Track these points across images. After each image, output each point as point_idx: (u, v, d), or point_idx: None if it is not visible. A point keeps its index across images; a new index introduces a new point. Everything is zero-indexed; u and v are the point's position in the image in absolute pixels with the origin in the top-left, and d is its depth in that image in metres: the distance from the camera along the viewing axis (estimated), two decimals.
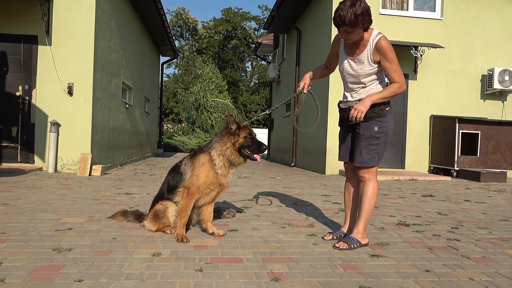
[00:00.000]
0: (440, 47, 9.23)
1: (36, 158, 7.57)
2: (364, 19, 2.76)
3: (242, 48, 45.17)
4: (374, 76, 2.99)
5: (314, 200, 5.27)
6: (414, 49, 9.19)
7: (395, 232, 3.54)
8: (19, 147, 7.56)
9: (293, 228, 3.59)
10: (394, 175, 8.41)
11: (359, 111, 2.88)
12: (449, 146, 9.10)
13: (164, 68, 17.59)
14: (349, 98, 3.10)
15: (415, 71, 9.63)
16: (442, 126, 9.39)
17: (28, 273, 2.24)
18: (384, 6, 9.57)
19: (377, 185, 3.05)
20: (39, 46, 7.47)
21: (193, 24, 46.02)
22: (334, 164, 9.18)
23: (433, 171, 9.70)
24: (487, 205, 5.23)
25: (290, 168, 11.44)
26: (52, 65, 7.44)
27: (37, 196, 4.80)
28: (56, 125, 7.35)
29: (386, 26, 9.28)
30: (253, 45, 35.86)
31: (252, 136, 3.12)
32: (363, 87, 3.03)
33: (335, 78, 8.29)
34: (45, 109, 7.50)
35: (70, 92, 7.47)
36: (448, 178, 8.58)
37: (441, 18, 9.71)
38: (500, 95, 9.97)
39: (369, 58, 2.92)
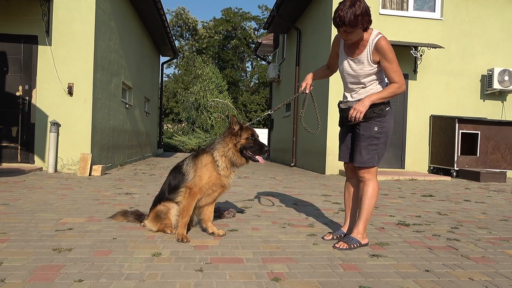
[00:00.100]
0: (440, 47, 9.24)
1: (36, 158, 7.57)
2: (363, 19, 2.76)
3: (242, 48, 45.16)
4: (374, 76, 3.00)
5: (314, 200, 5.27)
6: (414, 49, 9.19)
7: (395, 232, 3.55)
8: (19, 147, 7.56)
9: (293, 228, 3.59)
10: (394, 175, 8.41)
11: (358, 111, 2.89)
12: (449, 146, 9.10)
13: (164, 68, 17.62)
14: (349, 98, 3.10)
15: (415, 71, 9.64)
16: (442, 126, 9.39)
17: (28, 273, 2.24)
18: (384, 6, 9.57)
19: (377, 185, 3.06)
20: (39, 46, 7.47)
21: (193, 24, 46.02)
22: (334, 164, 9.18)
23: (433, 171, 9.71)
24: (486, 205, 5.24)
25: (290, 168, 11.44)
26: (52, 65, 7.45)
27: (37, 196, 4.81)
28: (56, 125, 7.35)
29: (386, 26, 9.28)
30: (253, 45, 35.87)
31: (254, 137, 3.12)
32: (363, 87, 3.03)
33: (335, 78, 8.28)
34: (45, 109, 7.50)
35: (70, 92, 7.47)
36: (448, 178, 8.58)
37: (441, 18, 9.71)
38: (500, 95, 9.97)
39: (369, 58, 2.93)
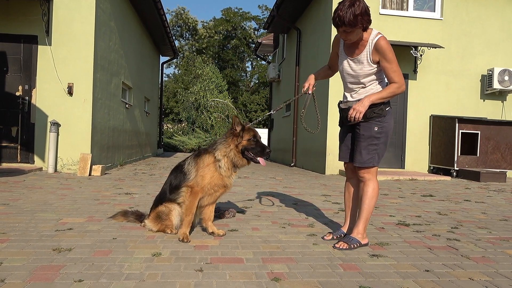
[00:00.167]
0: (440, 47, 9.24)
1: (36, 158, 7.57)
2: (363, 19, 2.76)
3: (242, 48, 45.16)
4: (374, 76, 3.00)
5: (314, 200, 5.27)
6: (414, 49, 9.19)
7: (395, 232, 3.55)
8: (19, 147, 7.56)
9: (293, 228, 3.59)
10: (394, 175, 8.41)
11: (358, 111, 2.89)
12: (449, 146, 9.10)
13: (164, 68, 17.61)
14: (349, 98, 3.10)
15: (415, 71, 9.64)
16: (442, 126, 9.39)
17: (28, 273, 2.24)
18: (384, 6, 9.57)
19: (377, 185, 3.06)
20: (39, 46, 7.47)
21: (193, 24, 46.02)
22: (334, 164, 9.18)
23: (433, 171, 9.71)
24: (486, 205, 5.24)
25: (290, 168, 11.44)
26: (52, 65, 7.44)
27: (37, 196, 4.80)
28: (56, 125, 7.35)
29: (386, 26, 9.28)
30: (253, 45, 35.86)
31: (256, 138, 3.11)
32: (362, 87, 3.03)
33: (335, 78, 8.27)
34: (45, 109, 7.50)
35: (70, 92, 7.47)
36: (448, 178, 8.58)
37: (441, 18, 9.71)
38: (500, 95, 9.97)
39: (369, 58, 2.93)
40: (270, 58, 19.16)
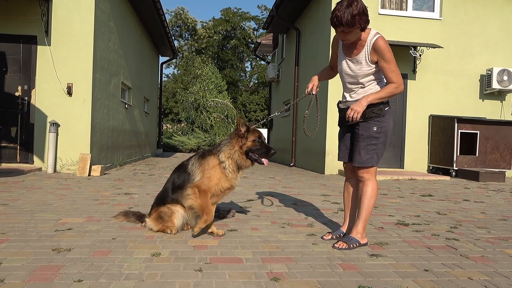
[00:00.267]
0: (439, 47, 9.25)
1: (35, 159, 7.57)
2: (361, 19, 2.76)
3: (242, 48, 45.17)
4: (372, 77, 3.00)
5: (313, 200, 5.27)
6: (413, 49, 9.20)
7: (394, 231, 3.55)
8: (18, 147, 7.56)
9: (293, 228, 3.59)
10: (393, 175, 8.42)
11: (355, 111, 2.90)
12: (448, 146, 9.11)
13: (163, 68, 17.60)
14: (348, 98, 3.11)
15: (414, 71, 9.64)
16: (441, 126, 9.40)
17: (27, 274, 2.24)
18: (383, 6, 9.58)
19: (376, 185, 3.06)
20: (38, 46, 7.47)
21: (192, 24, 46.00)
22: (333, 164, 9.18)
23: (432, 170, 9.72)
24: (486, 205, 5.24)
25: (290, 168, 11.44)
26: (51, 65, 7.44)
27: (37, 196, 4.80)
28: (55, 125, 7.35)
29: (385, 26, 9.29)
30: (253, 45, 35.84)
31: (261, 140, 3.13)
32: (361, 88, 3.03)
33: (334, 78, 8.30)
34: (44, 109, 7.50)
35: (69, 92, 7.47)
36: (447, 178, 8.59)
37: (440, 18, 9.72)
38: (499, 95, 9.98)
39: (367, 58, 2.93)
40: (270, 58, 19.17)
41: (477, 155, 9.09)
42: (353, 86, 3.07)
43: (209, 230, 3.23)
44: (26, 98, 7.52)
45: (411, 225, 3.82)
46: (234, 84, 43.14)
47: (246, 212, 4.25)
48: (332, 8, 2.85)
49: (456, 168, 8.99)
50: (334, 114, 8.64)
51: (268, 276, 2.33)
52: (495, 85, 9.48)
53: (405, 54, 9.31)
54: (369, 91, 3.01)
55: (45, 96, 7.48)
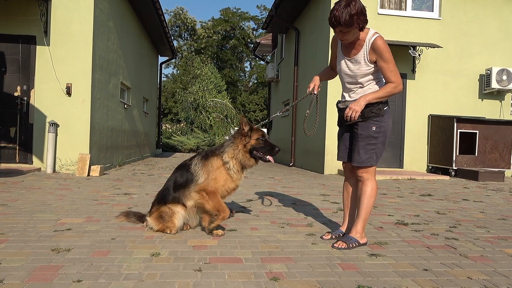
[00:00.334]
0: (438, 46, 9.25)
1: (34, 159, 7.56)
2: (359, 18, 2.76)
3: (241, 48, 45.15)
4: (371, 76, 3.00)
5: (312, 199, 5.27)
6: (412, 48, 9.20)
7: (394, 231, 3.55)
8: (17, 147, 7.55)
9: (292, 227, 3.59)
10: (393, 175, 8.42)
11: (354, 111, 2.90)
12: (447, 146, 9.12)
13: (162, 68, 17.58)
14: (347, 98, 3.11)
15: (413, 71, 9.65)
16: (440, 126, 9.41)
17: (26, 274, 2.24)
18: (382, 6, 9.58)
19: (375, 184, 3.06)
20: (37, 47, 7.46)
21: (192, 24, 45.97)
22: (332, 163, 9.19)
23: (432, 170, 9.72)
24: (485, 204, 5.25)
25: (289, 168, 11.45)
26: (51, 65, 7.44)
27: (36, 196, 4.80)
28: (55, 125, 7.35)
29: (384, 26, 9.29)
30: (252, 45, 35.84)
31: (265, 138, 3.15)
32: (360, 87, 3.03)
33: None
34: (43, 110, 7.49)
35: (68, 92, 7.46)
36: (447, 177, 8.59)
37: (439, 18, 9.73)
38: (498, 95, 9.99)
39: (366, 58, 2.93)
40: (269, 58, 19.17)
41: (476, 154, 9.09)
42: (352, 86, 3.07)
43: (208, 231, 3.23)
44: (25, 98, 7.51)
45: (411, 225, 3.82)
46: (233, 84, 43.12)
47: (246, 212, 4.25)
48: (331, 8, 2.85)
49: (456, 168, 9.00)
50: (334, 114, 8.64)
51: (267, 276, 2.33)
52: (494, 84, 9.48)
53: (404, 54, 9.31)
54: (368, 91, 3.01)
55: (44, 96, 7.48)
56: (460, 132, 8.99)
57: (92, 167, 7.33)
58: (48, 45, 7.44)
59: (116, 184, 6.22)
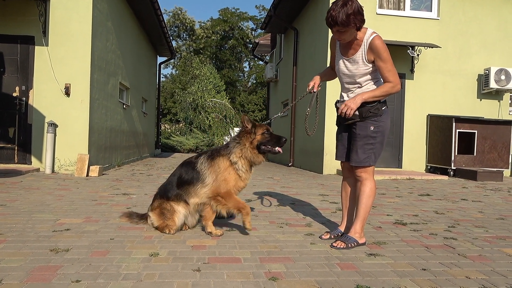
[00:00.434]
0: (437, 46, 9.26)
1: (33, 159, 7.55)
2: (356, 18, 2.77)
3: (240, 48, 45.13)
4: (369, 76, 3.00)
5: (311, 199, 5.27)
6: (411, 48, 9.21)
7: (392, 231, 3.56)
8: (16, 148, 7.55)
9: (291, 227, 3.59)
10: (392, 175, 8.43)
11: (349, 108, 2.91)
12: (446, 145, 9.13)
13: (161, 69, 17.56)
14: (346, 98, 3.11)
15: (412, 71, 9.66)
16: (439, 126, 9.42)
17: (25, 274, 2.24)
18: (381, 6, 9.59)
19: (374, 184, 3.06)
20: (36, 47, 7.45)
21: (190, 24, 45.94)
22: (331, 163, 9.19)
23: (430, 170, 9.73)
24: (483, 204, 5.26)
25: (288, 168, 11.45)
26: (49, 65, 7.43)
27: (34, 197, 4.79)
28: (53, 125, 7.34)
29: (383, 26, 9.30)
30: (251, 45, 35.85)
31: (270, 131, 3.17)
32: (359, 87, 3.04)
33: None
34: (42, 110, 7.48)
35: (67, 93, 7.46)
36: (445, 177, 8.60)
37: (437, 18, 9.74)
38: (497, 95, 10.01)
39: (364, 57, 2.93)
40: (268, 58, 19.17)
41: (475, 154, 9.11)
42: (351, 86, 3.07)
43: (208, 230, 3.23)
44: (24, 98, 7.50)
45: (409, 225, 3.83)
46: (232, 84, 43.11)
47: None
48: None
49: (454, 168, 9.01)
50: (333, 114, 8.65)
51: (266, 275, 2.33)
52: (493, 84, 9.50)
53: (403, 54, 9.32)
54: (367, 90, 3.01)
55: (43, 97, 7.47)
56: (458, 132, 9.01)
57: (91, 167, 7.32)
58: (47, 45, 7.43)
59: (115, 185, 6.22)
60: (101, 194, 5.17)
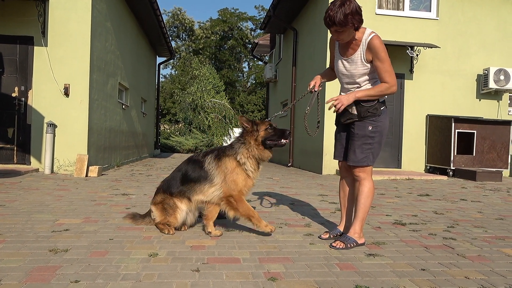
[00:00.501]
0: (436, 47, 9.27)
1: (32, 159, 7.54)
2: (353, 18, 2.77)
3: (239, 49, 45.15)
4: (368, 76, 3.00)
5: (311, 200, 5.28)
6: (410, 49, 9.22)
7: (392, 231, 3.56)
8: (15, 148, 7.54)
9: (290, 228, 3.59)
10: (391, 175, 8.43)
11: (340, 102, 2.92)
12: (445, 146, 9.13)
13: (160, 69, 17.56)
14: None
15: (411, 71, 9.67)
16: (438, 126, 9.42)
17: (24, 274, 2.24)
18: (380, 6, 9.59)
19: (372, 184, 3.06)
20: (35, 47, 7.45)
21: (190, 25, 45.95)
22: (331, 164, 9.19)
23: (429, 170, 9.74)
24: (483, 204, 5.26)
25: (287, 168, 11.45)
26: (48, 66, 7.42)
27: (34, 197, 4.79)
28: (53, 126, 7.33)
29: (382, 26, 9.31)
30: (250, 46, 35.85)
31: (273, 127, 3.18)
32: (358, 87, 3.04)
33: None
34: (41, 110, 7.48)
35: (66, 93, 7.45)
36: (444, 177, 8.61)
37: (436, 18, 9.75)
38: (496, 95, 10.02)
39: (362, 57, 2.94)
40: (267, 58, 19.17)
41: (474, 154, 9.11)
42: (350, 86, 3.08)
43: (208, 230, 3.24)
44: (23, 99, 7.50)
45: (408, 225, 3.83)
46: (231, 85, 43.12)
47: None
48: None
49: (453, 168, 9.02)
50: (332, 114, 8.62)
51: (265, 276, 2.33)
52: (492, 84, 9.51)
53: (402, 54, 9.33)
54: None
55: (42, 97, 7.46)
56: (458, 132, 9.01)
57: (90, 167, 7.32)
58: (46, 45, 7.43)
59: (114, 185, 6.21)
60: (100, 195, 5.17)
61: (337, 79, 3.32)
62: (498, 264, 2.66)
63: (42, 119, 7.47)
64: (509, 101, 10.20)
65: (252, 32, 46.04)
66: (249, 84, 45.07)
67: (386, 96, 3.03)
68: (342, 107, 2.92)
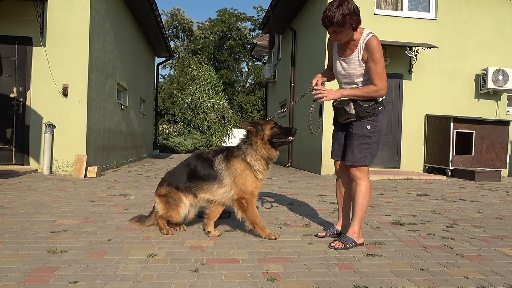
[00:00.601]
0: (435, 47, 9.28)
1: (31, 160, 7.53)
2: (351, 18, 2.77)
3: (238, 49, 45.13)
4: (367, 77, 3.00)
5: (309, 200, 5.28)
6: (408, 49, 9.23)
7: (390, 231, 3.56)
8: (13, 149, 7.52)
9: (289, 228, 3.59)
10: (390, 175, 8.43)
11: (325, 94, 2.95)
12: (444, 146, 9.14)
13: (159, 69, 17.55)
14: (343, 98, 3.10)
15: (410, 71, 9.68)
16: (436, 126, 9.44)
17: (23, 275, 2.23)
18: (378, 7, 9.60)
19: (369, 183, 3.06)
20: (33, 48, 7.43)
21: (188, 25, 45.93)
22: (329, 164, 9.19)
23: (428, 170, 9.75)
24: (481, 204, 5.27)
25: (286, 168, 11.45)
26: (47, 66, 7.41)
27: (32, 198, 4.78)
28: (51, 126, 7.32)
29: (381, 26, 9.31)
30: (249, 46, 35.85)
31: (278, 125, 3.18)
32: (356, 88, 3.04)
33: None
34: (39, 111, 7.46)
35: (65, 94, 7.44)
36: (443, 177, 8.62)
37: (435, 18, 9.76)
38: (494, 95, 10.03)
39: (360, 58, 2.94)
40: (266, 58, 19.18)
41: (472, 154, 9.13)
42: (348, 86, 3.08)
43: (208, 229, 3.24)
44: (22, 99, 7.49)
45: (407, 225, 3.83)
46: (230, 85, 43.10)
47: None
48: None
49: (452, 168, 9.03)
50: (330, 115, 8.62)
51: (264, 276, 2.33)
52: (490, 84, 9.53)
53: (401, 54, 9.34)
54: None
55: (41, 98, 7.45)
56: (456, 132, 9.02)
57: (89, 168, 7.31)
58: (44, 46, 7.42)
59: (113, 185, 6.21)
60: (99, 195, 5.16)
61: (335, 79, 3.32)
62: (496, 264, 2.67)
63: (40, 119, 7.46)
64: (507, 101, 10.22)
65: (251, 33, 46.04)
66: (248, 84, 45.07)
67: (384, 97, 3.03)
68: (325, 99, 2.97)
